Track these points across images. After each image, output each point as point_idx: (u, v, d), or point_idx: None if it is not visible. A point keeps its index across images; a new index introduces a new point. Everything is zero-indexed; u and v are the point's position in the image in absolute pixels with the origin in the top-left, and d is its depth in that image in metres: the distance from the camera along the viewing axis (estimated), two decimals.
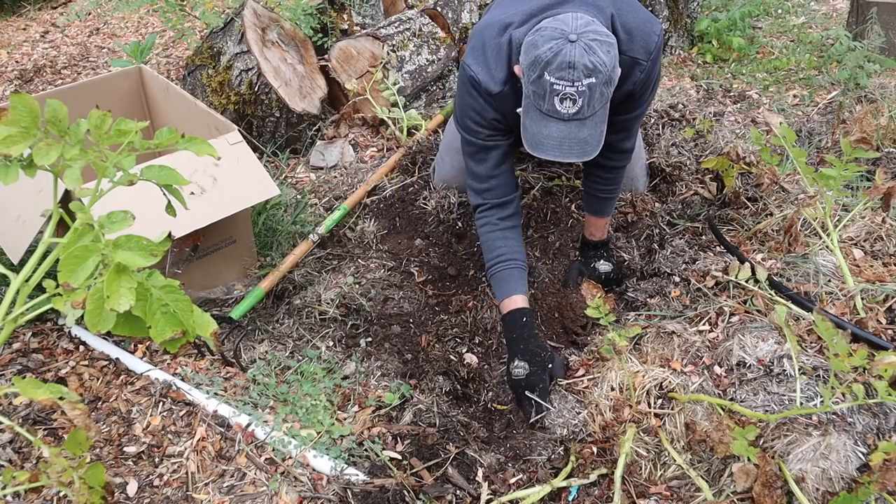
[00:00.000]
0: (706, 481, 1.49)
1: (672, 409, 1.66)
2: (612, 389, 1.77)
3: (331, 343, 2.00)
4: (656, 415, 1.69)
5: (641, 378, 1.75)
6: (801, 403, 1.52)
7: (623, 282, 2.22)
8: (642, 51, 1.78)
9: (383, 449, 1.67)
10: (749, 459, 1.41)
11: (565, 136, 1.63)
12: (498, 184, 1.93)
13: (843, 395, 1.51)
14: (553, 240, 2.34)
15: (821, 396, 1.55)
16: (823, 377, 1.61)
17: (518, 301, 1.88)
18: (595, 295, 1.71)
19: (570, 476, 1.57)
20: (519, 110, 1.71)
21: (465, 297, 2.21)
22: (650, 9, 3.79)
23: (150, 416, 1.72)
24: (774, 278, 1.90)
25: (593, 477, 1.55)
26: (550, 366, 1.80)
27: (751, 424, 1.46)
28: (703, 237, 2.27)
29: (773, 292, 1.86)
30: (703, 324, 1.89)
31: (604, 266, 2.18)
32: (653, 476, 1.56)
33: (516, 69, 1.71)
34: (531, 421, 1.74)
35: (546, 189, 2.46)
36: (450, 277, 2.29)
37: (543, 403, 1.74)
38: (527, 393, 1.75)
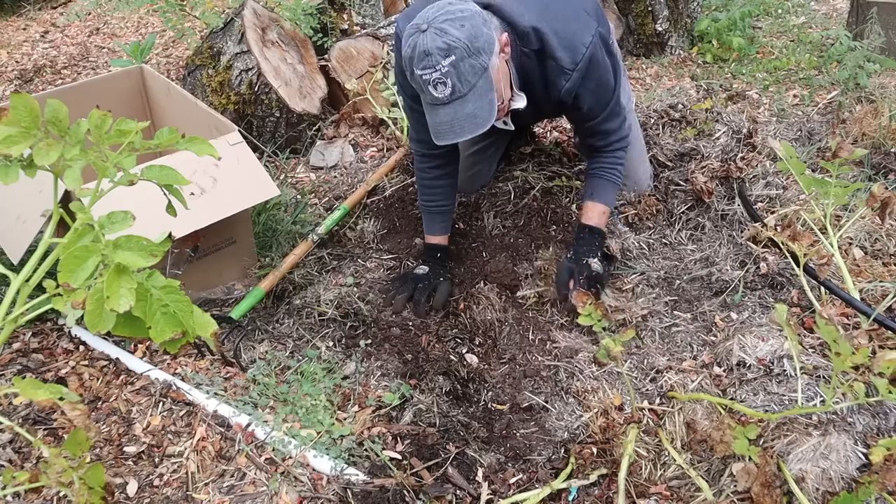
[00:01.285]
0: (706, 481, 1.49)
1: (672, 408, 1.66)
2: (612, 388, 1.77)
3: (331, 343, 2.00)
4: (657, 414, 1.69)
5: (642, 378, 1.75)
6: (802, 403, 1.52)
7: (606, 281, 2.13)
8: (569, 59, 1.84)
9: (383, 449, 1.67)
10: (750, 458, 1.41)
11: (453, 117, 1.71)
12: (425, 139, 1.99)
13: (844, 394, 1.51)
14: (554, 232, 2.33)
15: (821, 396, 1.55)
16: (824, 377, 1.61)
17: (433, 238, 2.25)
18: (586, 302, 1.69)
19: (570, 477, 1.57)
20: None
21: (466, 296, 2.20)
22: (650, 9, 3.79)
23: (150, 416, 1.72)
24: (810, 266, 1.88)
25: (593, 477, 1.55)
26: None
27: (751, 423, 1.46)
28: (704, 234, 2.27)
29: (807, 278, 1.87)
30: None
31: (595, 264, 2.06)
32: (653, 476, 1.56)
33: None
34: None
35: (546, 189, 2.46)
36: None
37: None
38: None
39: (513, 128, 2.08)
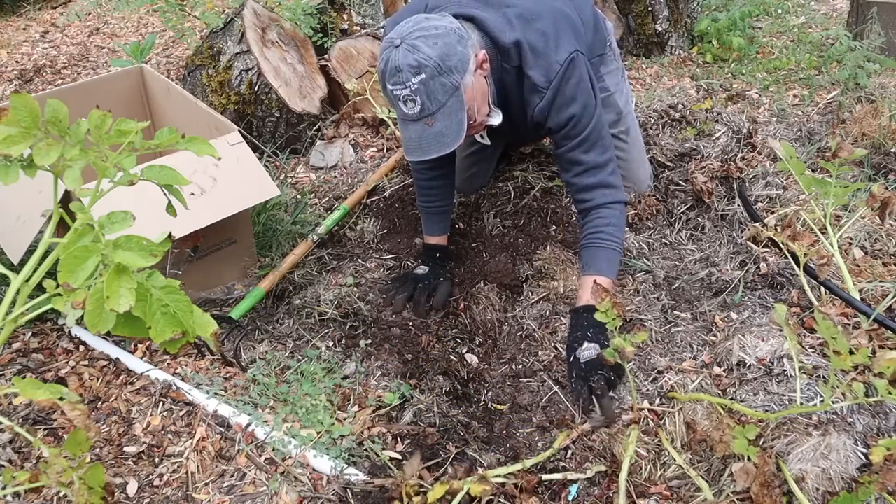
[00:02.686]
0: (706, 481, 1.49)
1: (672, 408, 1.66)
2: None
3: (331, 343, 2.00)
4: (657, 414, 1.69)
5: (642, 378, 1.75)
6: (801, 403, 1.52)
7: (618, 381, 1.77)
8: (543, 77, 1.80)
9: (383, 449, 1.67)
10: (749, 458, 1.41)
11: (421, 134, 1.69)
12: None
13: (844, 394, 1.51)
14: (554, 232, 2.33)
15: (821, 396, 1.55)
16: (824, 377, 1.61)
17: (432, 239, 2.25)
18: (603, 298, 1.67)
19: (564, 464, 1.57)
20: None
21: (466, 296, 2.20)
22: (650, 9, 3.79)
23: (150, 416, 1.72)
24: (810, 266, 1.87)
25: (591, 473, 1.55)
26: None
27: (751, 423, 1.46)
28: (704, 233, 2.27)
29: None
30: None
31: (587, 351, 1.75)
32: (653, 476, 1.56)
33: None
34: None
35: (546, 189, 2.46)
36: None
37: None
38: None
39: (489, 143, 2.07)
